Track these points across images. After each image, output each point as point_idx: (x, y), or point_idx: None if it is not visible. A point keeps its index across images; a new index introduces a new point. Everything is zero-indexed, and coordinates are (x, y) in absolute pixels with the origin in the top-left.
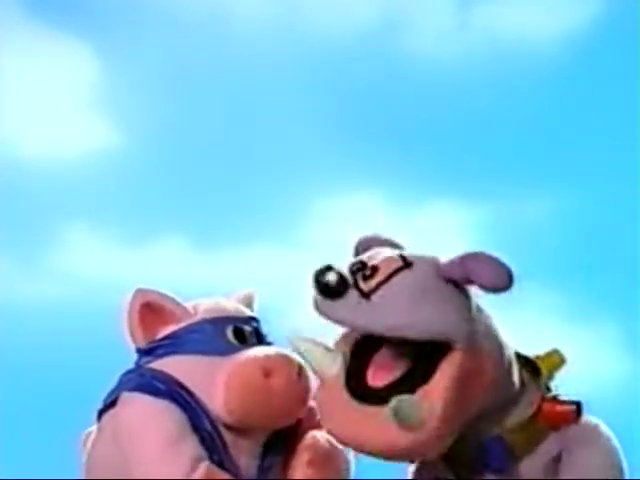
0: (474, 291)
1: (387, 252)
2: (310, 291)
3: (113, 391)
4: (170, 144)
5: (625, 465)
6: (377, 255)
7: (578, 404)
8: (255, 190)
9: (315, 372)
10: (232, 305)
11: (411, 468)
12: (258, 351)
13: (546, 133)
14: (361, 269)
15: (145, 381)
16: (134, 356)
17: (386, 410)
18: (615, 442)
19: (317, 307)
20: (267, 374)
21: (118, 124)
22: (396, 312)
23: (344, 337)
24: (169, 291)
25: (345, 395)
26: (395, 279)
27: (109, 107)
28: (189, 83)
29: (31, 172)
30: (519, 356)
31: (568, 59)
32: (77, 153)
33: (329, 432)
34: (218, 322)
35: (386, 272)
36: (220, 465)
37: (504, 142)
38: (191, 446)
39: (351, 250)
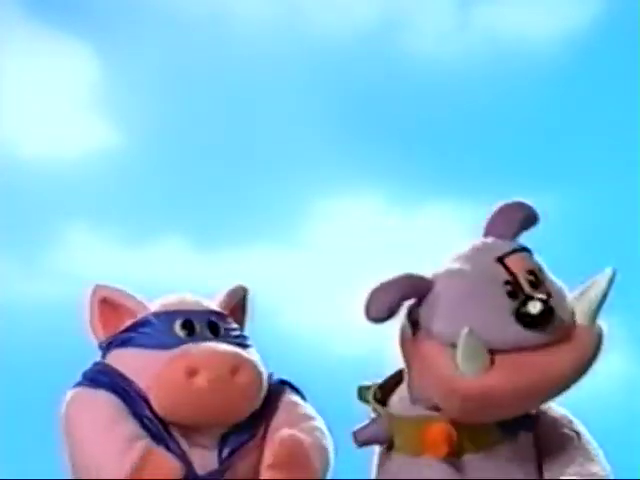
0: None
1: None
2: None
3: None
4: (170, 144)
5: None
6: (543, 273)
7: None
8: (255, 190)
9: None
10: (192, 300)
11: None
12: (193, 347)
13: (546, 133)
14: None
15: (88, 376)
16: None
17: None
18: None
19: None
20: (191, 373)
21: (118, 124)
22: None
23: None
24: (169, 291)
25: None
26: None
27: (109, 107)
28: (189, 83)
29: (31, 172)
30: None
31: (568, 59)
32: (77, 153)
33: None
34: (166, 315)
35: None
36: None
37: (504, 142)
38: (126, 428)
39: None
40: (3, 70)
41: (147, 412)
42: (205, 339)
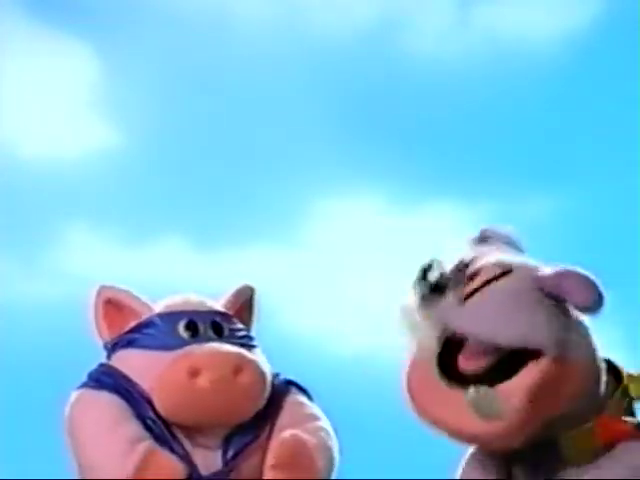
0: None
1: (491, 256)
2: (414, 284)
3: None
4: (170, 144)
5: None
6: (480, 258)
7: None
8: (255, 190)
9: (414, 346)
10: (197, 300)
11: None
12: (196, 348)
13: (546, 133)
14: (462, 270)
15: (92, 377)
16: None
17: (471, 392)
18: None
19: (418, 300)
20: (194, 373)
21: (118, 124)
22: (487, 320)
23: None
24: (169, 291)
25: (435, 374)
26: (491, 286)
27: (109, 107)
28: (189, 83)
29: (31, 172)
30: (609, 366)
31: (568, 59)
32: (77, 153)
33: (415, 410)
34: (170, 316)
35: (483, 279)
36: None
37: (504, 142)
38: (130, 429)
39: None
40: (3, 70)
41: (150, 413)
42: (209, 340)
